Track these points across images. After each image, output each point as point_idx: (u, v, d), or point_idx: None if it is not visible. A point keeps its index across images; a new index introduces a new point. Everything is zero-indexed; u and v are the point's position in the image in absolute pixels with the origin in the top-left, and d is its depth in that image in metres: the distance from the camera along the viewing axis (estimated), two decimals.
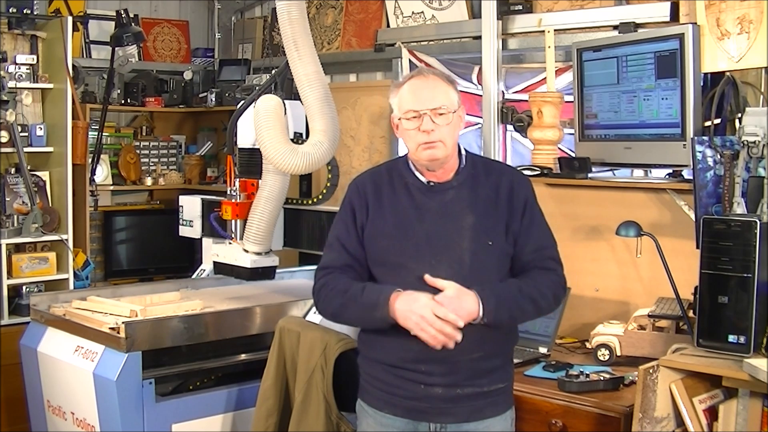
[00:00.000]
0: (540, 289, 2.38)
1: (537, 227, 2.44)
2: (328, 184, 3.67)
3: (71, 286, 4.44)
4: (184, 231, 4.07)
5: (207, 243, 3.91)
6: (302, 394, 2.75)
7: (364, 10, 4.62)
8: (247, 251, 3.54)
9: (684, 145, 2.85)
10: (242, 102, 3.62)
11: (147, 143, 5.56)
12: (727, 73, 2.88)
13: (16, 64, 4.38)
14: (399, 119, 2.39)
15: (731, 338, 2.32)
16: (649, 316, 2.83)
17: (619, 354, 2.86)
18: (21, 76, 4.38)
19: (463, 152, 2.45)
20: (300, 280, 3.98)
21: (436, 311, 2.24)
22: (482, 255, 2.35)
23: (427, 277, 2.29)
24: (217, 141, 5.57)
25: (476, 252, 2.35)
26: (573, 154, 3.42)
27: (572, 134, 3.38)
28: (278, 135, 3.25)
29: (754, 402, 2.29)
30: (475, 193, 2.40)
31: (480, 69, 3.81)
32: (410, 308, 2.25)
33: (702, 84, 2.89)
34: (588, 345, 3.00)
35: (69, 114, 4.45)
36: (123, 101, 5.21)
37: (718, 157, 2.57)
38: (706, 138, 2.62)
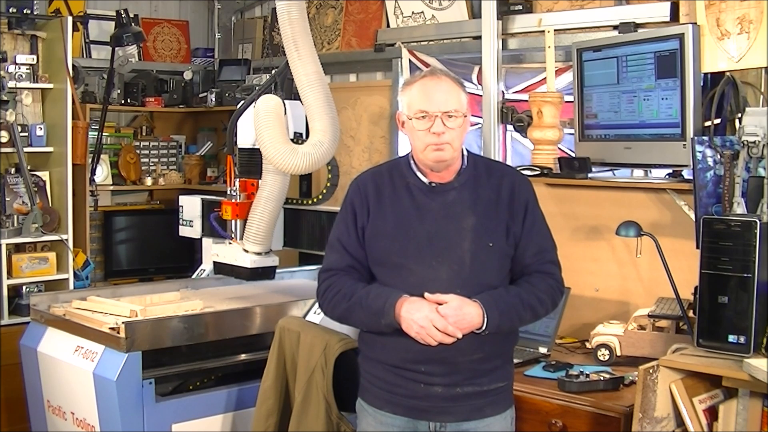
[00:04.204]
0: (539, 296, 2.39)
1: (538, 230, 2.44)
2: (328, 184, 3.67)
3: (71, 286, 4.44)
4: (184, 231, 4.07)
5: (207, 243, 3.91)
6: (302, 394, 2.75)
7: (364, 10, 4.62)
8: (247, 251, 3.54)
9: (684, 145, 2.85)
10: (242, 102, 3.62)
11: (147, 143, 5.56)
12: (727, 73, 2.87)
13: (16, 64, 4.38)
14: (408, 117, 2.38)
15: (731, 338, 2.32)
16: (649, 316, 2.83)
17: (619, 354, 2.86)
18: (21, 76, 4.38)
19: (465, 153, 2.45)
20: (300, 280, 3.98)
21: (436, 323, 2.25)
22: (483, 256, 2.35)
23: (428, 295, 2.29)
24: (217, 141, 5.57)
25: (477, 253, 2.35)
26: (573, 154, 3.42)
27: (572, 134, 3.38)
28: (278, 135, 3.25)
29: (754, 402, 2.29)
30: (476, 194, 2.40)
31: (480, 69, 3.81)
32: (412, 317, 2.26)
33: (702, 84, 2.89)
34: (588, 345, 3.00)
35: (69, 114, 4.45)
36: (123, 101, 5.21)
37: (718, 157, 2.57)
38: (706, 138, 2.62)
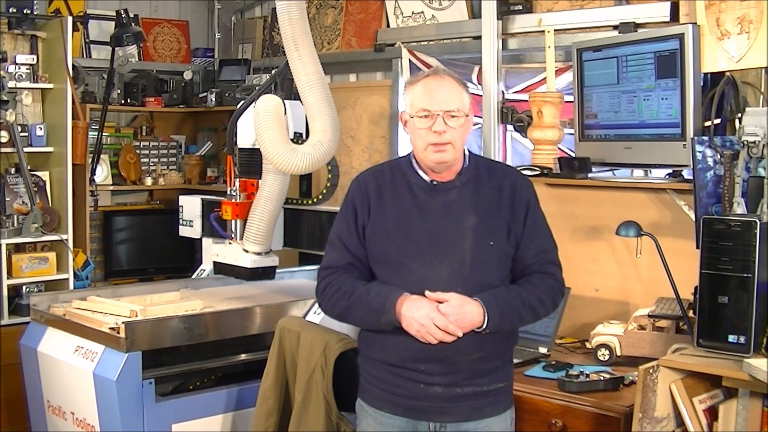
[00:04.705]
0: (540, 296, 2.39)
1: (539, 231, 2.44)
2: (328, 184, 3.67)
3: (71, 286, 4.44)
4: (184, 231, 4.07)
5: (207, 243, 3.91)
6: (302, 394, 2.75)
7: (364, 10, 4.62)
8: (247, 251, 3.54)
9: (684, 145, 2.85)
10: (242, 102, 3.63)
11: (147, 143, 5.56)
12: (727, 73, 2.87)
13: (16, 64, 4.38)
14: (410, 116, 2.38)
15: (731, 338, 2.32)
16: (649, 316, 2.83)
17: (619, 354, 2.86)
18: (21, 76, 4.38)
19: (466, 153, 2.45)
20: (300, 280, 3.98)
21: (437, 322, 2.25)
22: (483, 255, 2.35)
23: (428, 294, 2.29)
24: (217, 141, 5.57)
25: (477, 252, 2.35)
26: (573, 154, 3.42)
27: (572, 134, 3.38)
28: (278, 135, 3.26)
29: (754, 402, 2.29)
30: (477, 193, 2.40)
31: (480, 69, 3.81)
32: (413, 315, 2.26)
33: (702, 84, 2.89)
34: (588, 345, 3.00)
35: (69, 114, 4.45)
36: (123, 101, 5.21)
37: (718, 157, 2.57)
38: (706, 138, 2.62)
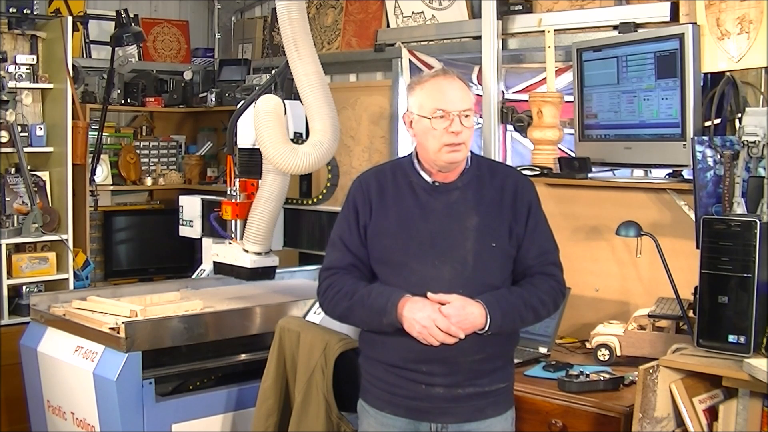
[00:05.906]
0: (541, 297, 2.39)
1: (540, 232, 2.44)
2: (328, 184, 3.67)
3: (71, 286, 4.44)
4: (184, 231, 4.07)
5: (207, 243, 3.92)
6: (302, 394, 2.75)
7: (364, 10, 4.62)
8: (247, 251, 3.54)
9: (684, 145, 2.85)
10: (242, 102, 3.63)
11: (147, 143, 5.57)
12: (727, 73, 2.88)
13: (16, 64, 4.38)
14: (422, 117, 2.34)
15: (731, 338, 2.32)
16: (649, 316, 2.83)
17: (619, 354, 2.86)
18: (21, 76, 4.38)
19: (468, 154, 2.45)
20: (300, 280, 3.98)
21: (439, 323, 2.25)
22: (485, 256, 2.35)
23: (430, 295, 2.29)
24: (217, 141, 5.57)
25: (480, 253, 2.35)
26: (573, 154, 3.42)
27: (572, 134, 3.38)
28: (278, 135, 3.26)
29: (754, 402, 2.29)
30: (479, 194, 2.40)
31: (480, 69, 3.81)
32: (414, 317, 2.26)
33: (702, 84, 2.89)
34: (588, 345, 3.00)
35: (69, 114, 4.45)
36: (123, 101, 5.21)
37: (718, 157, 2.57)
38: (706, 138, 2.62)
